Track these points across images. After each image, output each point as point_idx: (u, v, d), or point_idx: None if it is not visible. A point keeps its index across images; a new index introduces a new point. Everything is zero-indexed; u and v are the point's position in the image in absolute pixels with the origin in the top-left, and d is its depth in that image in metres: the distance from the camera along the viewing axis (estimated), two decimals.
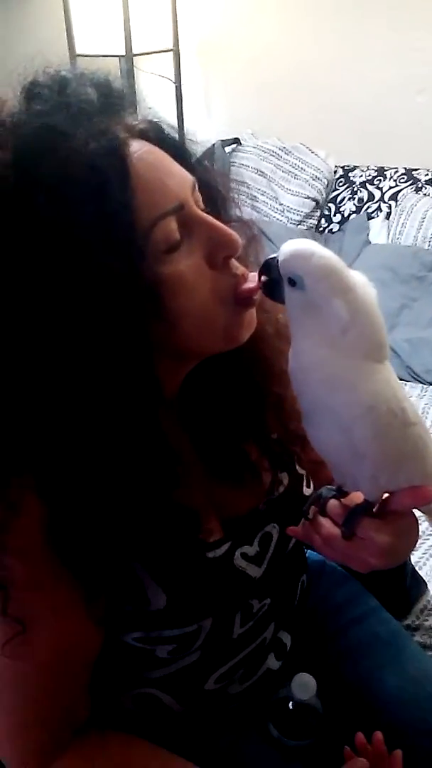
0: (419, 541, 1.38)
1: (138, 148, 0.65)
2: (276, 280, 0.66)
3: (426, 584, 1.25)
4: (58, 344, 0.61)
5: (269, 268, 0.67)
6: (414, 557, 1.31)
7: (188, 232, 0.66)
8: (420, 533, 1.40)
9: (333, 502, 0.71)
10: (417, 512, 0.73)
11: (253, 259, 0.78)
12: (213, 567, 0.79)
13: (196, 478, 0.80)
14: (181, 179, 0.67)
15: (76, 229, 0.59)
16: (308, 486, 0.90)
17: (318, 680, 0.87)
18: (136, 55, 2.79)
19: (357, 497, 0.71)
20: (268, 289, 0.68)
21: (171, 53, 3.04)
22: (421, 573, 1.26)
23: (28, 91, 0.66)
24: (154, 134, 0.70)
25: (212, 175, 0.77)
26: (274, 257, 0.66)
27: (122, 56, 2.76)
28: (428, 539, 1.39)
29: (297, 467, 0.89)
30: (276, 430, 0.86)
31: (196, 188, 0.70)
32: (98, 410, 0.63)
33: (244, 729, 0.89)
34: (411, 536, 0.72)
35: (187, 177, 0.68)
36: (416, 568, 1.25)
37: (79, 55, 2.86)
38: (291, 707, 0.88)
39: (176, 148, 0.71)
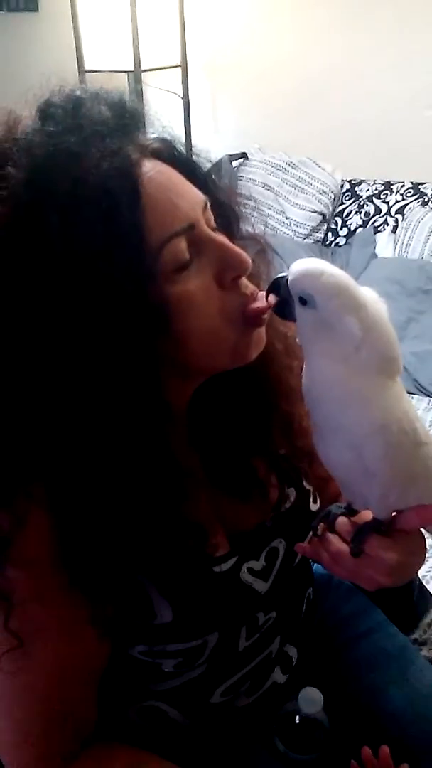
0: (426, 555, 1.38)
1: (150, 168, 0.66)
2: (286, 299, 0.67)
3: None
4: (68, 359, 0.62)
5: (279, 287, 0.67)
6: (421, 572, 1.30)
7: (198, 252, 0.67)
8: (427, 548, 1.40)
9: (342, 520, 0.72)
10: (425, 531, 0.73)
11: (264, 276, 0.79)
12: (219, 581, 0.79)
13: (203, 493, 0.80)
14: (192, 199, 0.68)
15: (87, 249, 0.60)
16: (315, 502, 0.90)
17: (324, 694, 0.86)
18: (144, 71, 2.82)
19: (366, 515, 0.72)
20: (278, 309, 0.69)
21: (179, 69, 3.07)
22: (429, 587, 1.25)
23: (42, 111, 0.67)
24: (167, 153, 0.70)
25: (224, 192, 0.77)
26: (284, 276, 0.67)
27: (131, 72, 2.79)
28: None
29: (304, 483, 0.89)
30: (283, 446, 0.86)
31: (208, 207, 0.70)
32: (105, 425, 0.64)
33: (251, 743, 0.89)
34: (419, 555, 0.73)
35: (199, 196, 0.69)
36: (423, 582, 1.24)
37: (87, 71, 2.89)
38: (297, 721, 0.87)
39: (188, 166, 0.72)
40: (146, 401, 0.65)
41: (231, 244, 0.69)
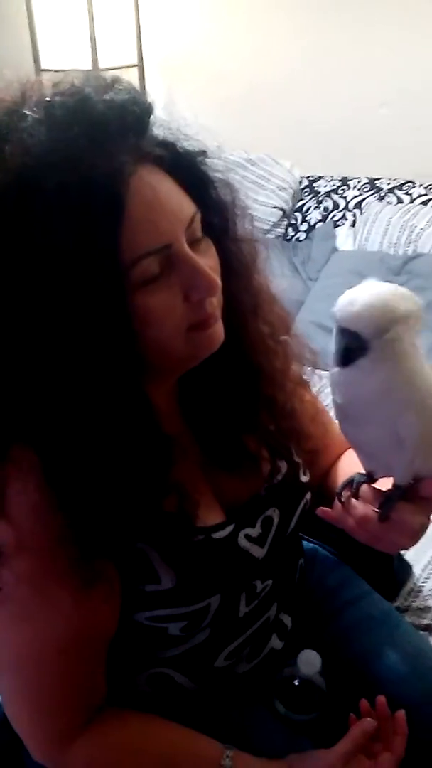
0: None
1: (142, 179, 0.66)
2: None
3: (411, 568, 1.30)
4: (46, 342, 0.66)
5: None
6: None
7: (170, 268, 0.69)
8: None
9: (366, 487, 0.77)
10: None
11: (263, 272, 0.84)
12: (218, 547, 0.83)
13: (199, 468, 0.84)
14: (175, 216, 0.68)
15: (63, 255, 0.63)
16: (305, 474, 0.94)
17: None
18: (102, 70, 2.83)
19: (383, 483, 0.77)
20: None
21: (136, 68, 3.09)
22: (407, 557, 1.31)
23: (46, 108, 0.67)
24: (170, 158, 0.71)
25: (225, 195, 0.79)
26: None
27: (88, 71, 2.79)
28: None
29: (294, 456, 0.93)
30: (271, 424, 0.90)
31: (196, 219, 0.71)
32: (85, 393, 0.68)
33: (253, 706, 0.92)
34: None
35: (184, 212, 0.70)
36: (401, 553, 1.30)
37: (44, 70, 2.88)
38: (296, 683, 0.91)
39: (189, 172, 0.73)
40: (121, 381, 0.69)
41: (202, 268, 0.70)
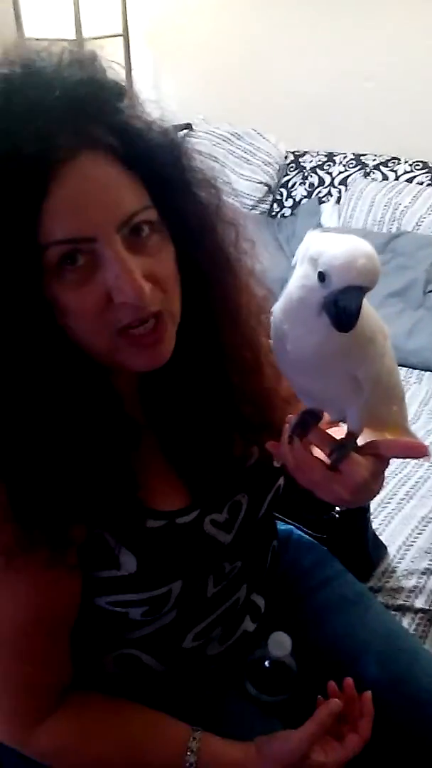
0: (380, 507, 1.44)
1: (76, 165, 0.64)
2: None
3: (386, 548, 1.32)
4: None
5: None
6: (375, 523, 1.37)
7: (97, 265, 0.66)
8: (380, 500, 1.46)
9: (318, 430, 0.73)
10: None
11: (250, 253, 0.81)
12: (183, 532, 0.82)
13: (157, 449, 0.83)
14: (106, 210, 0.65)
15: None
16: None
17: (292, 640, 0.91)
18: (86, 39, 2.78)
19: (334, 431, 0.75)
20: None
21: (121, 38, 3.04)
22: (382, 538, 1.32)
23: None
24: (127, 149, 0.67)
25: (204, 196, 0.76)
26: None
27: (72, 40, 2.75)
28: (387, 505, 1.45)
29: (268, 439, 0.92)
30: (242, 411, 0.87)
31: (141, 216, 0.67)
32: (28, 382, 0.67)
33: (223, 688, 0.93)
34: (379, 481, 0.75)
35: (122, 207, 0.66)
36: (377, 533, 1.31)
37: (28, 39, 2.83)
38: (267, 665, 0.92)
39: (146, 166, 0.69)
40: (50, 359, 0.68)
41: (129, 269, 0.66)
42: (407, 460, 1.52)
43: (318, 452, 0.73)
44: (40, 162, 0.62)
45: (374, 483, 0.73)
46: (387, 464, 0.75)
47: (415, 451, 0.74)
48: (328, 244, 0.63)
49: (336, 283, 0.61)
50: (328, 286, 0.62)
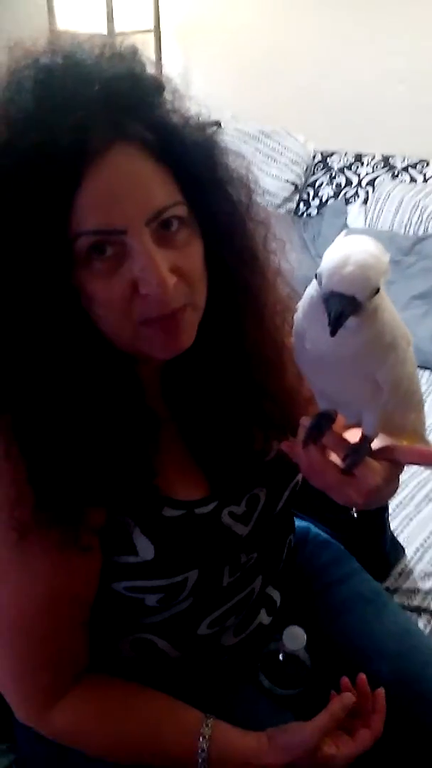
0: (399, 509, 1.44)
1: (110, 158, 0.65)
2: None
3: (404, 549, 1.31)
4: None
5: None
6: (393, 524, 1.37)
7: (125, 255, 0.67)
8: (399, 501, 1.46)
9: (333, 434, 0.73)
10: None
11: (280, 254, 0.82)
12: (201, 523, 0.83)
13: (179, 439, 0.84)
14: (137, 203, 0.66)
15: (18, 215, 0.64)
16: None
17: (306, 635, 0.92)
18: (117, 34, 2.80)
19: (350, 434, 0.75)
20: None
21: (152, 33, 3.05)
22: (400, 539, 1.32)
23: (37, 67, 0.67)
24: (161, 144, 0.68)
25: (235, 194, 0.77)
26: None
27: (104, 35, 2.76)
28: (407, 507, 1.45)
29: (289, 438, 0.93)
30: (265, 408, 0.87)
31: (171, 211, 0.68)
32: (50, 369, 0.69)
33: (238, 679, 0.94)
34: (392, 487, 0.76)
35: (153, 201, 0.67)
36: (395, 534, 1.31)
37: (59, 32, 2.85)
38: (281, 658, 0.93)
39: (183, 163, 0.70)
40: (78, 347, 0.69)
41: (156, 263, 0.66)
42: None
43: (332, 455, 0.73)
44: (74, 153, 0.64)
45: (388, 488, 0.73)
46: (401, 470, 0.75)
47: (431, 459, 0.74)
48: (336, 247, 0.64)
49: (324, 286, 0.62)
50: (321, 288, 0.63)
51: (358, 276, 0.61)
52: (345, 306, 0.61)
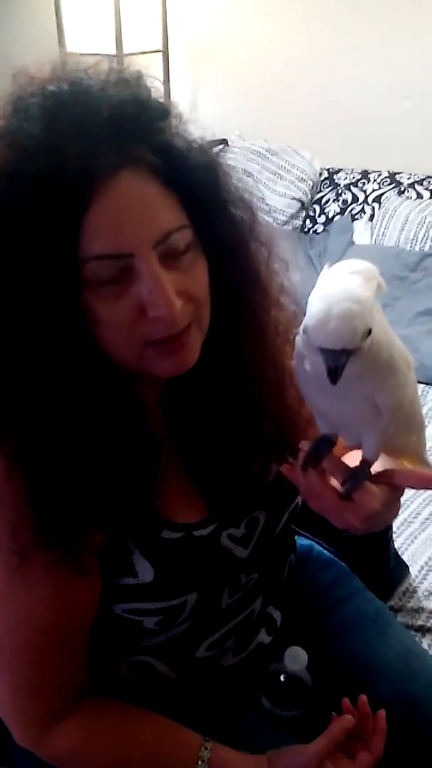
0: (403, 526, 1.44)
1: (117, 183, 0.66)
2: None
3: (408, 568, 1.31)
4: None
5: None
6: (398, 542, 1.36)
7: (132, 279, 0.68)
8: (404, 519, 1.46)
9: (332, 458, 0.73)
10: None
11: (283, 274, 0.83)
12: (200, 545, 0.83)
13: (178, 462, 0.84)
14: (143, 227, 0.67)
15: (26, 240, 0.65)
16: None
17: (307, 655, 0.91)
18: (126, 55, 2.83)
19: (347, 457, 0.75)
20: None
21: (160, 54, 3.09)
22: (404, 557, 1.31)
23: (44, 94, 0.68)
24: (168, 168, 0.69)
25: (233, 203, 0.77)
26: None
27: (113, 56, 2.79)
28: (411, 525, 1.44)
29: (289, 459, 0.93)
30: (263, 430, 0.87)
31: (177, 235, 0.69)
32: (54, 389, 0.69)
33: (238, 700, 0.93)
34: (392, 510, 0.76)
35: (159, 225, 0.68)
36: (399, 553, 1.30)
37: (69, 54, 2.88)
38: (283, 679, 0.92)
39: (189, 187, 0.70)
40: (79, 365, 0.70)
41: (163, 286, 0.67)
42: None
43: (332, 479, 0.73)
44: (82, 179, 0.64)
45: (388, 512, 0.74)
46: (402, 493, 0.75)
47: (430, 483, 0.74)
48: (317, 293, 0.62)
49: (312, 342, 0.62)
50: (310, 342, 0.63)
51: (344, 330, 0.59)
52: (338, 359, 0.61)
